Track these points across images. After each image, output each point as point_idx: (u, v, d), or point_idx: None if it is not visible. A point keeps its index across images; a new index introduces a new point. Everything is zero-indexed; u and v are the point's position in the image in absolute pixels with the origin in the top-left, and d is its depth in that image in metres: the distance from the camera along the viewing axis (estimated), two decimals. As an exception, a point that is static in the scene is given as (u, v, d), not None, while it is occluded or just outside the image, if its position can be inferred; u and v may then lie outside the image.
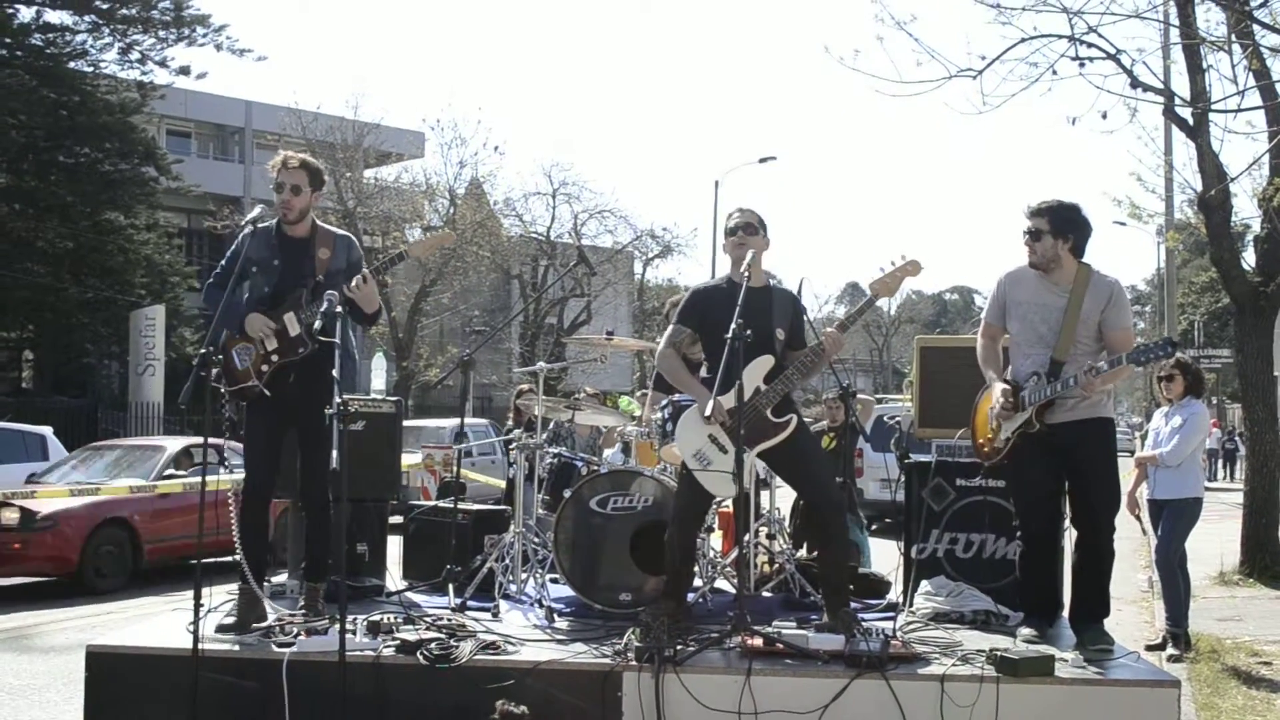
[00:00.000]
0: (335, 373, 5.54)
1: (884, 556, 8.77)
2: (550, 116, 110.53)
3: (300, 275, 6.34)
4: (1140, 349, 5.88)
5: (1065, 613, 6.37)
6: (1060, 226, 6.09)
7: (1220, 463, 37.95)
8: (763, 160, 40.52)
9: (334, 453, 5.26)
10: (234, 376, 6.23)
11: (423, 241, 6.69)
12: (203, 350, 5.61)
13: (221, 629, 5.96)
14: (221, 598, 6.44)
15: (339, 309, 5.82)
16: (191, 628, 5.34)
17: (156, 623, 6.58)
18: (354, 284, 6.13)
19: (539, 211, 42.50)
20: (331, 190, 34.41)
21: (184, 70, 34.72)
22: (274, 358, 6.27)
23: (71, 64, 32.60)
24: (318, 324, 5.85)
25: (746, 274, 6.04)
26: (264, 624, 5.95)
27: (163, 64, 34.28)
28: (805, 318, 6.44)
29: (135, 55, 33.88)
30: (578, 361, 26.92)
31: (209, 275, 6.67)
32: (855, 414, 8.49)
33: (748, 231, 6.26)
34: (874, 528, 17.23)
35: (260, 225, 6.42)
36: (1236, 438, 38.67)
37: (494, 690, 5.33)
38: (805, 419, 6.51)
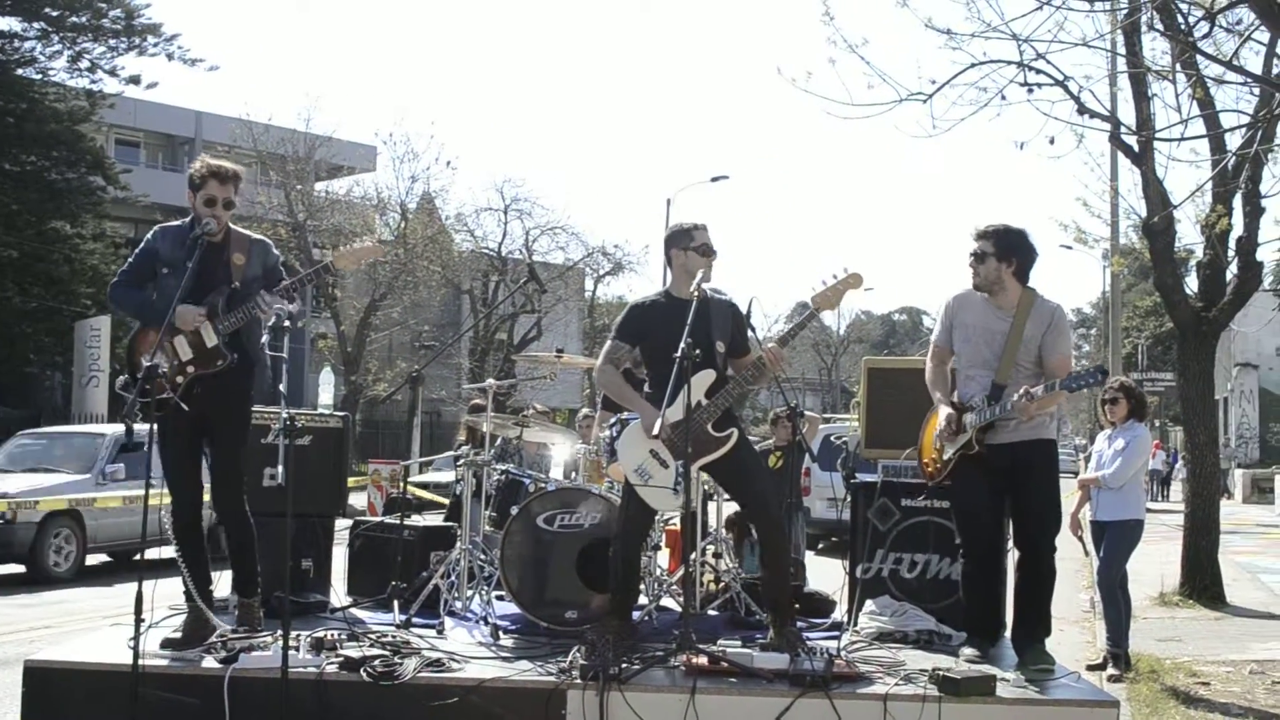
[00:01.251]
0: (283, 387, 5.52)
1: (829, 576, 8.81)
2: (503, 133, 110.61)
3: (214, 280, 6.12)
4: (1073, 376, 5.96)
5: (1008, 633, 6.43)
6: (1004, 250, 6.17)
7: (1157, 485, 38.29)
8: (715, 179, 40.66)
9: (280, 468, 5.24)
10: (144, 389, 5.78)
11: (347, 253, 6.47)
12: (147, 364, 5.50)
13: (166, 644, 5.87)
14: (164, 612, 6.37)
15: (287, 323, 5.76)
16: (132, 643, 5.28)
17: (97, 637, 6.50)
18: (286, 318, 5.96)
19: (490, 227, 42.56)
20: (282, 203, 34.27)
21: (134, 79, 34.59)
22: (190, 369, 6.08)
23: (20, 71, 32.35)
24: (265, 337, 5.78)
25: (696, 293, 6.05)
26: (208, 639, 5.88)
27: (112, 73, 34.18)
28: (749, 326, 6.45)
29: (85, 63, 33.77)
30: (527, 379, 26.87)
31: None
32: (802, 433, 8.55)
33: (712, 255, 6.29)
34: (820, 546, 17.33)
35: (171, 225, 6.28)
36: (1175, 459, 39.09)
37: (438, 708, 5.32)
38: (751, 436, 6.53)
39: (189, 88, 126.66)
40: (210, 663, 5.60)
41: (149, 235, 6.34)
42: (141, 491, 5.39)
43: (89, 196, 33.05)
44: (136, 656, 5.24)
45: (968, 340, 6.29)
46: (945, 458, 6.26)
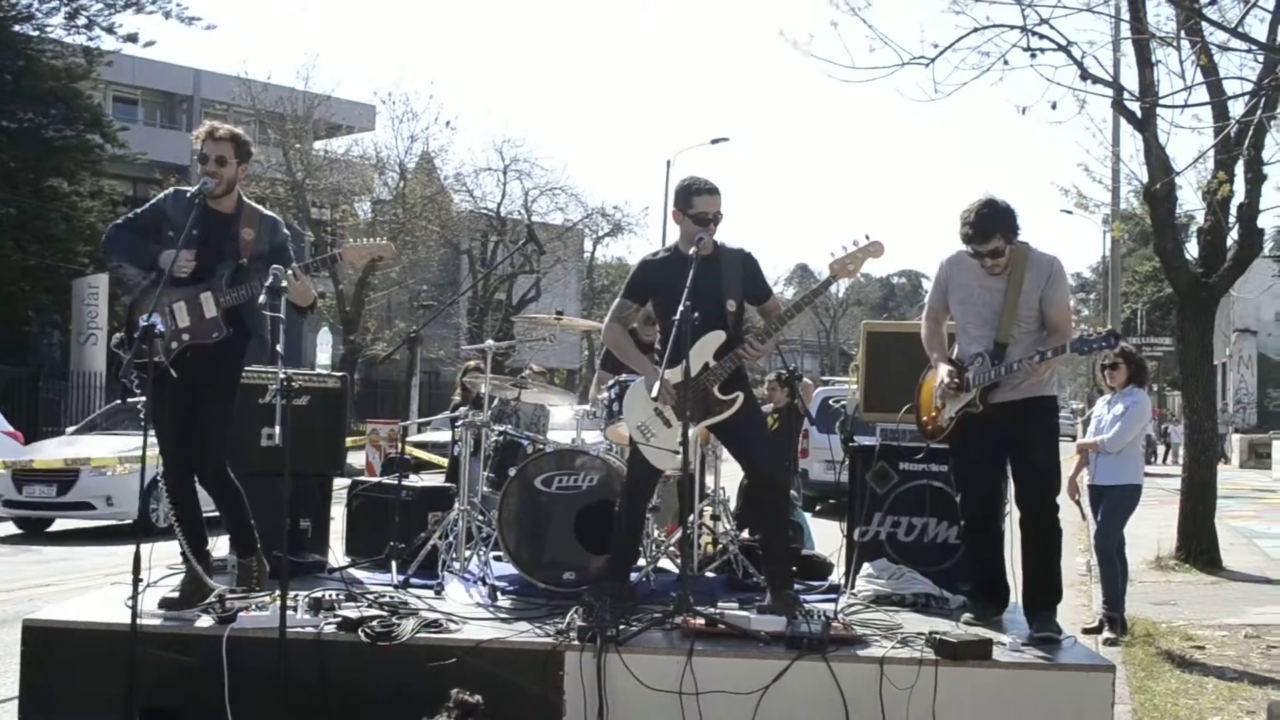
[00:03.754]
0: (280, 348, 5.47)
1: (826, 538, 8.83)
2: (503, 92, 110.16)
3: (220, 254, 6.12)
4: (1082, 339, 5.92)
5: (1015, 598, 6.40)
6: (1011, 233, 6.08)
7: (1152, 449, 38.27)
8: (715, 141, 40.56)
9: (276, 428, 5.22)
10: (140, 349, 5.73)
11: (358, 247, 6.45)
12: (145, 323, 5.45)
13: (164, 603, 5.89)
14: (161, 571, 6.37)
15: (284, 284, 5.71)
16: (130, 603, 5.29)
17: (95, 596, 6.52)
18: (284, 279, 5.83)
19: (489, 187, 42.24)
20: (280, 162, 34.11)
21: (131, 37, 34.29)
22: (184, 336, 6.06)
23: (16, 28, 32.07)
24: (262, 298, 5.74)
25: (695, 253, 6.00)
26: (206, 599, 5.88)
27: (110, 30, 33.82)
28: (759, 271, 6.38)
29: (82, 20, 33.42)
30: (526, 340, 26.86)
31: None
32: (800, 397, 8.55)
33: (718, 222, 6.19)
34: (817, 509, 17.37)
35: (185, 189, 6.24)
36: (1166, 425, 39.11)
37: (435, 669, 5.33)
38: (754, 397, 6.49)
39: (187, 46, 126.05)
40: (209, 622, 5.62)
41: (161, 195, 6.34)
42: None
43: (87, 154, 32.87)
44: (134, 616, 5.23)
45: (965, 301, 6.24)
46: (947, 416, 6.23)
